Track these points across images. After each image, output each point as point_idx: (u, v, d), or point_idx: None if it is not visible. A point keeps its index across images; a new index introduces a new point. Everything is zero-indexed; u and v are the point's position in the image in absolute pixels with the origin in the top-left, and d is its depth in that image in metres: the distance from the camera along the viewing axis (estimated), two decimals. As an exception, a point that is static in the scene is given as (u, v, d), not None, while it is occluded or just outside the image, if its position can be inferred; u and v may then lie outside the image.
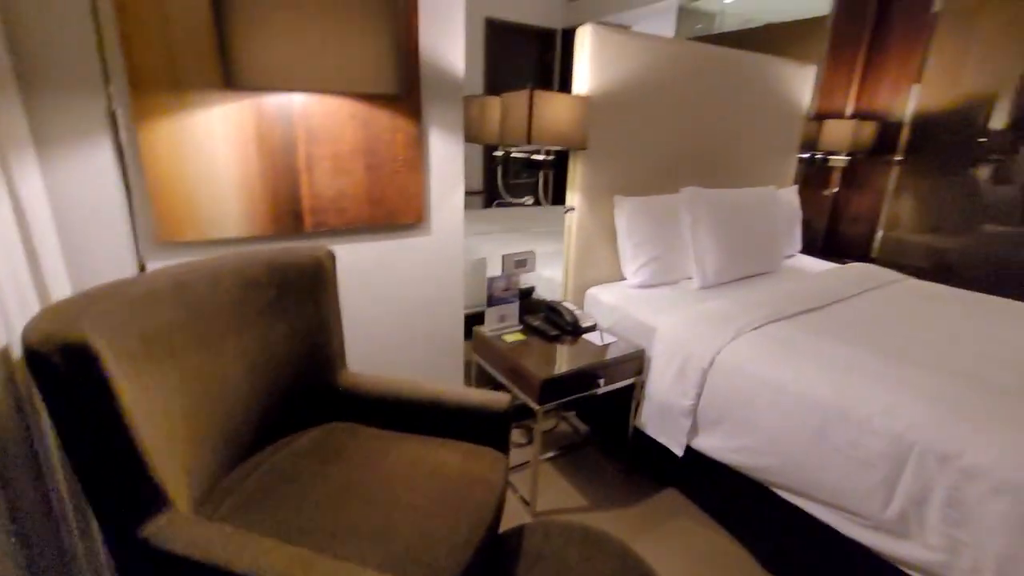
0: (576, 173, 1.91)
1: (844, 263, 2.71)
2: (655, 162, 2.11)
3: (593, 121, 1.84)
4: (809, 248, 3.10)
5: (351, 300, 1.55)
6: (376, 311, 1.60)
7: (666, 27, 4.02)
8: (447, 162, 1.60)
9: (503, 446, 1.22)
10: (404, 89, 1.38)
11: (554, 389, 1.50)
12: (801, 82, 2.57)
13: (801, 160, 2.92)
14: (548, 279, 2.21)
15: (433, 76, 1.50)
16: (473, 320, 1.83)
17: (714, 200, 2.07)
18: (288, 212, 1.37)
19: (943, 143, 2.70)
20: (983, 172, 2.70)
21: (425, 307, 1.69)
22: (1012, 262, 2.59)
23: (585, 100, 1.68)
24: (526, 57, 4.53)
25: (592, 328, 1.78)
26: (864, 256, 3.00)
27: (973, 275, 2.71)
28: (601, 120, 1.88)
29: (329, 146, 1.38)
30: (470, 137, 1.83)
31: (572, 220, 1.95)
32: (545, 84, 4.57)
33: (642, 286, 2.00)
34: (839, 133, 2.66)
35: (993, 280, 2.64)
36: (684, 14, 4.09)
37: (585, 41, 1.78)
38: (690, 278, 2.08)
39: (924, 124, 2.72)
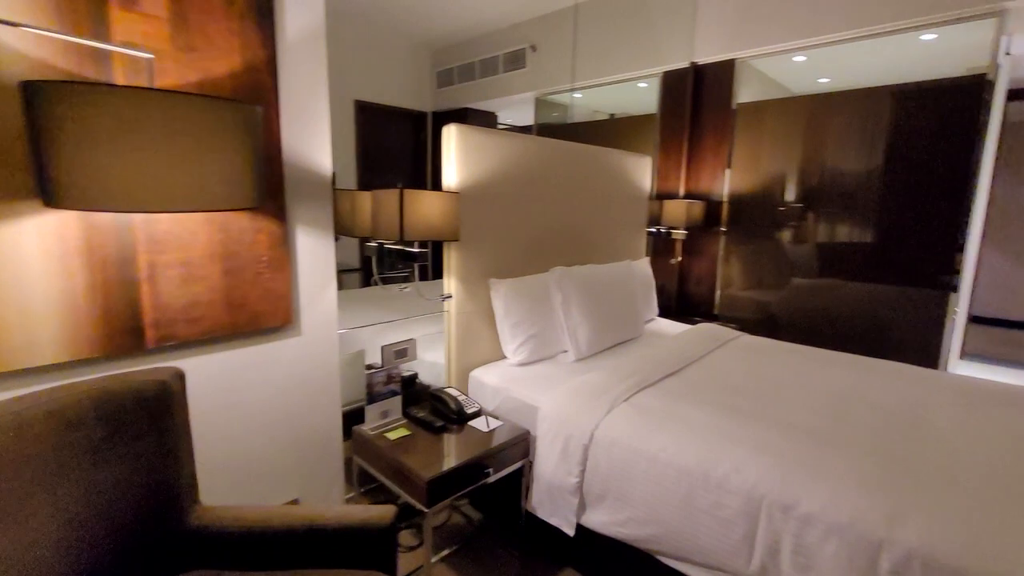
0: (451, 261, 1.96)
1: (695, 322, 3.07)
2: (525, 245, 2.26)
3: (465, 211, 1.93)
4: (665, 311, 3.47)
5: (209, 420, 1.38)
6: (240, 427, 1.44)
7: (527, 115, 4.45)
8: (317, 259, 1.55)
9: (390, 565, 1.14)
10: (263, 199, 1.33)
11: (442, 487, 1.46)
12: (642, 169, 2.97)
13: (650, 234, 3.33)
14: (432, 363, 2.19)
15: (298, 176, 1.48)
16: (353, 418, 1.73)
17: (579, 276, 2.26)
18: (125, 328, 1.21)
19: (754, 214, 3.28)
20: (786, 235, 3.32)
21: (298, 414, 1.56)
22: (811, 308, 3.15)
23: (455, 195, 1.77)
24: (399, 137, 4.67)
25: (478, 414, 1.78)
26: (709, 313, 3.44)
27: (789, 320, 3.24)
28: (472, 209, 1.98)
29: (178, 252, 1.27)
30: (342, 231, 1.81)
31: (451, 305, 1.99)
32: (419, 163, 4.73)
33: (523, 364, 2.07)
34: (675, 211, 3.10)
35: (805, 324, 3.18)
36: (541, 103, 4.55)
37: (451, 138, 1.90)
38: (566, 351, 2.20)
39: (739, 200, 3.28)
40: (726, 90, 3.22)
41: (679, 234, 3.25)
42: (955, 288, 2.61)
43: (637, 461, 1.48)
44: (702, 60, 3.28)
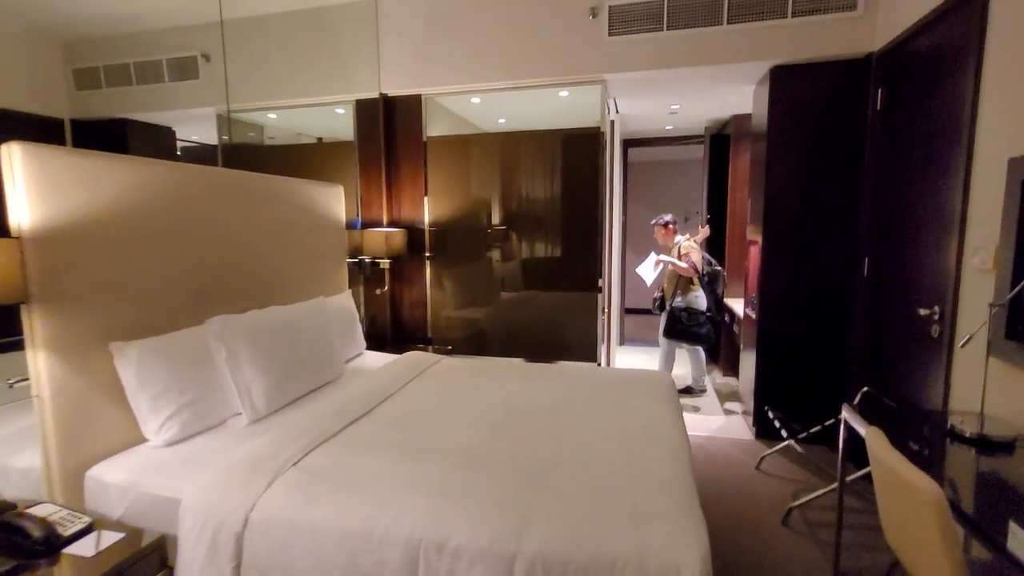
0: (34, 330, 1.44)
1: (409, 348, 3.07)
2: (173, 294, 1.85)
3: (61, 260, 1.45)
4: (380, 342, 3.40)
5: None
6: None
7: (210, 133, 3.84)
8: None
9: None
10: None
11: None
12: (334, 199, 2.83)
13: (358, 265, 3.22)
14: (24, 471, 1.59)
15: None
16: None
17: (252, 324, 1.97)
18: None
19: (462, 238, 3.51)
20: (495, 255, 3.65)
21: None
22: (515, 320, 3.55)
23: (15, 243, 1.30)
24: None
25: (85, 531, 1.33)
26: (424, 338, 3.51)
27: (496, 333, 3.57)
28: (74, 257, 1.50)
29: None
30: None
31: (43, 388, 1.46)
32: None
33: (172, 443, 1.67)
34: (375, 241, 3.06)
35: (509, 335, 3.54)
36: (227, 122, 4.00)
37: (14, 163, 1.40)
38: (239, 413, 1.89)
39: (444, 226, 3.45)
40: (416, 122, 3.36)
41: (385, 263, 3.22)
42: (600, 289, 3.28)
43: (297, 537, 1.30)
44: (391, 92, 3.35)
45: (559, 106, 3.65)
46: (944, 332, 1.93)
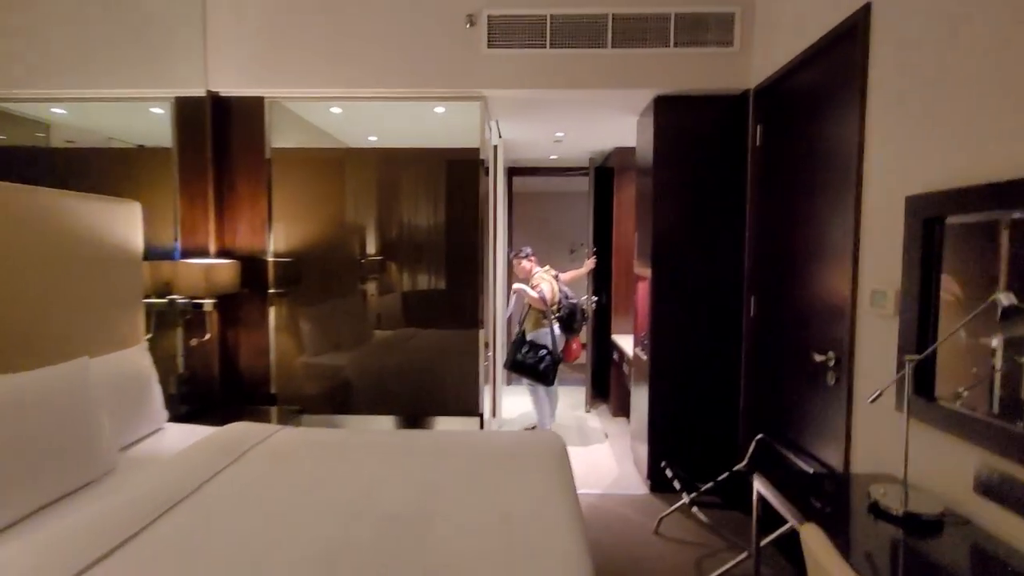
0: None
1: (247, 410, 2.39)
2: None
3: None
4: (206, 405, 2.64)
5: None
6: None
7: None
8: None
9: None
10: None
11: None
12: (125, 220, 2.11)
13: (171, 306, 2.46)
14: None
15: None
16: None
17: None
18: None
19: (327, 270, 2.91)
20: (371, 287, 3.08)
21: None
22: (387, 365, 3.00)
23: None
24: None
25: None
26: (267, 395, 2.81)
27: (367, 384, 2.98)
28: None
29: None
30: None
31: None
32: None
33: None
34: (192, 276, 2.36)
35: (379, 383, 2.96)
36: (12, 120, 3.04)
37: None
38: None
39: (303, 255, 2.83)
40: (257, 131, 2.74)
41: (208, 303, 2.51)
42: (481, 325, 2.89)
43: None
44: (224, 90, 2.70)
45: (438, 125, 3.26)
46: (842, 380, 1.80)
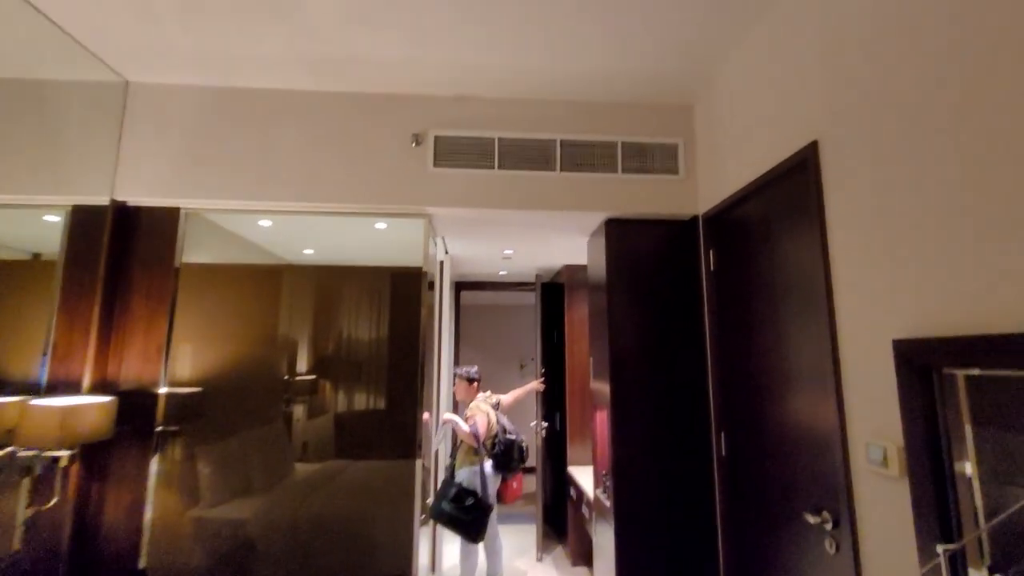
0: None
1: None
2: None
3: None
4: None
5: None
6: None
7: None
8: None
9: None
10: None
11: None
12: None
13: (11, 461, 1.91)
14: None
15: None
16: None
17: None
18: None
19: (242, 397, 2.45)
20: (298, 411, 2.60)
21: None
22: (303, 513, 2.44)
23: None
24: None
25: None
26: (133, 570, 2.17)
27: (274, 544, 2.39)
28: None
29: None
30: None
31: None
32: None
33: None
34: (41, 423, 1.85)
35: (290, 540, 2.38)
36: None
37: None
38: None
39: (210, 384, 2.38)
40: (167, 244, 2.42)
41: (63, 456, 1.97)
42: (418, 455, 2.47)
43: None
44: (133, 200, 2.41)
45: (381, 240, 3.06)
46: (844, 549, 1.50)
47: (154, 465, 2.28)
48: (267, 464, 2.63)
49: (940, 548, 1.03)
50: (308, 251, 3.40)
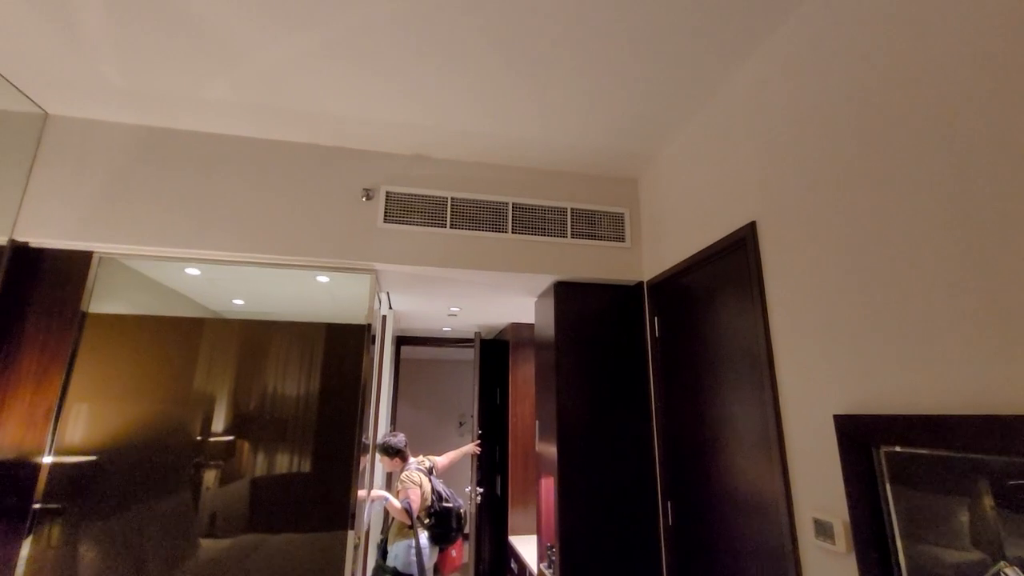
0: None
1: None
2: None
3: None
4: None
5: None
6: None
7: None
8: None
9: None
10: None
11: None
12: None
13: None
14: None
15: None
16: None
17: None
18: None
19: (151, 462, 2.15)
20: (209, 478, 2.28)
21: None
22: None
23: None
24: None
25: None
26: None
27: None
28: None
29: None
30: None
31: None
32: None
33: None
34: None
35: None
36: None
37: None
38: None
39: (112, 453, 2.06)
40: (74, 292, 2.15)
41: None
42: (351, 525, 2.24)
43: None
44: (38, 241, 2.15)
45: (320, 292, 2.91)
46: (795, 630, 1.49)
47: (25, 549, 1.92)
48: (165, 542, 2.29)
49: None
50: (238, 302, 3.17)
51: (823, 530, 1.40)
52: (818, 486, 1.45)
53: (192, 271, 2.54)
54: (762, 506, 1.69)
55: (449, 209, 2.49)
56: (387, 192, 2.45)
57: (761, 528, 1.69)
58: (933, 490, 1.13)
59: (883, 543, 1.22)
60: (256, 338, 2.44)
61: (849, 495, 1.31)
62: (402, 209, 2.45)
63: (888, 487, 1.23)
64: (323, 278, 2.61)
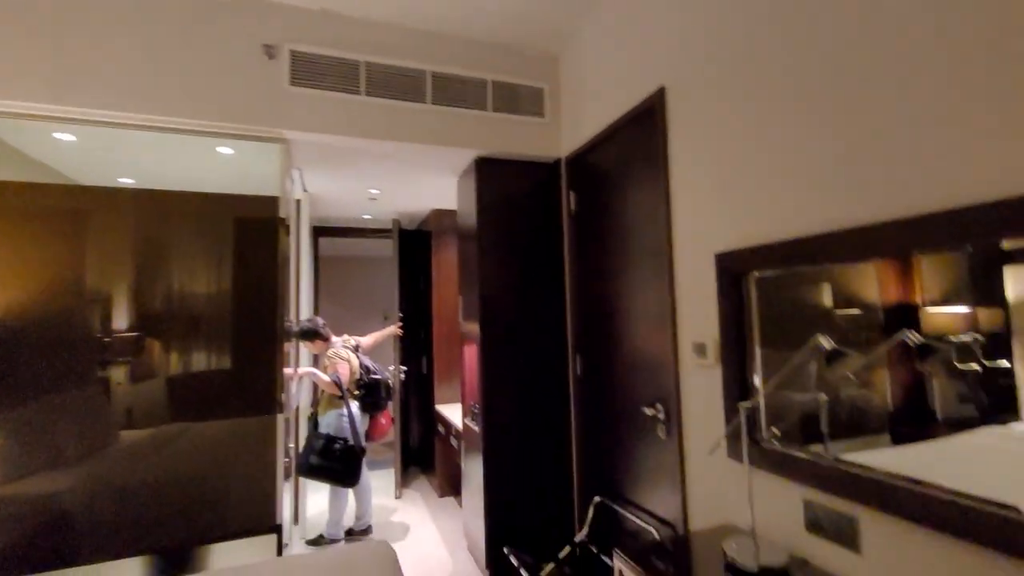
0: None
1: None
2: None
3: None
4: None
5: None
6: None
7: None
8: None
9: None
10: None
11: None
12: None
13: None
14: None
15: None
16: None
17: None
18: None
19: (45, 356, 2.02)
20: (117, 375, 2.21)
21: None
22: (133, 483, 2.16)
23: None
24: None
25: None
26: None
27: (103, 514, 2.09)
28: None
29: None
30: None
31: None
32: None
33: None
34: None
35: (129, 512, 2.10)
36: None
37: None
38: None
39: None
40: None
41: None
42: (280, 409, 2.34)
43: None
44: None
45: (223, 169, 2.70)
46: (672, 432, 1.83)
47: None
48: (81, 433, 2.25)
49: (741, 405, 1.33)
50: (126, 180, 2.88)
51: (699, 350, 1.69)
52: (699, 316, 1.71)
53: (64, 136, 2.24)
54: (655, 347, 1.98)
55: (363, 74, 2.35)
56: (292, 51, 2.25)
57: (653, 365, 1.99)
58: (789, 302, 1.40)
59: (743, 355, 1.51)
60: (153, 216, 2.27)
61: (721, 317, 1.58)
62: (311, 72, 2.28)
63: (754, 307, 1.49)
64: (226, 149, 2.42)
